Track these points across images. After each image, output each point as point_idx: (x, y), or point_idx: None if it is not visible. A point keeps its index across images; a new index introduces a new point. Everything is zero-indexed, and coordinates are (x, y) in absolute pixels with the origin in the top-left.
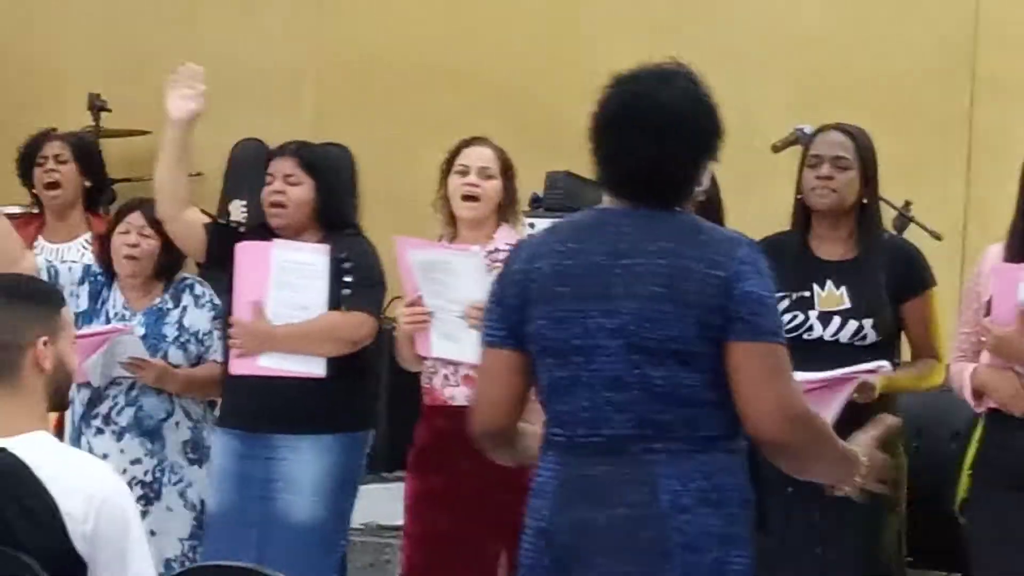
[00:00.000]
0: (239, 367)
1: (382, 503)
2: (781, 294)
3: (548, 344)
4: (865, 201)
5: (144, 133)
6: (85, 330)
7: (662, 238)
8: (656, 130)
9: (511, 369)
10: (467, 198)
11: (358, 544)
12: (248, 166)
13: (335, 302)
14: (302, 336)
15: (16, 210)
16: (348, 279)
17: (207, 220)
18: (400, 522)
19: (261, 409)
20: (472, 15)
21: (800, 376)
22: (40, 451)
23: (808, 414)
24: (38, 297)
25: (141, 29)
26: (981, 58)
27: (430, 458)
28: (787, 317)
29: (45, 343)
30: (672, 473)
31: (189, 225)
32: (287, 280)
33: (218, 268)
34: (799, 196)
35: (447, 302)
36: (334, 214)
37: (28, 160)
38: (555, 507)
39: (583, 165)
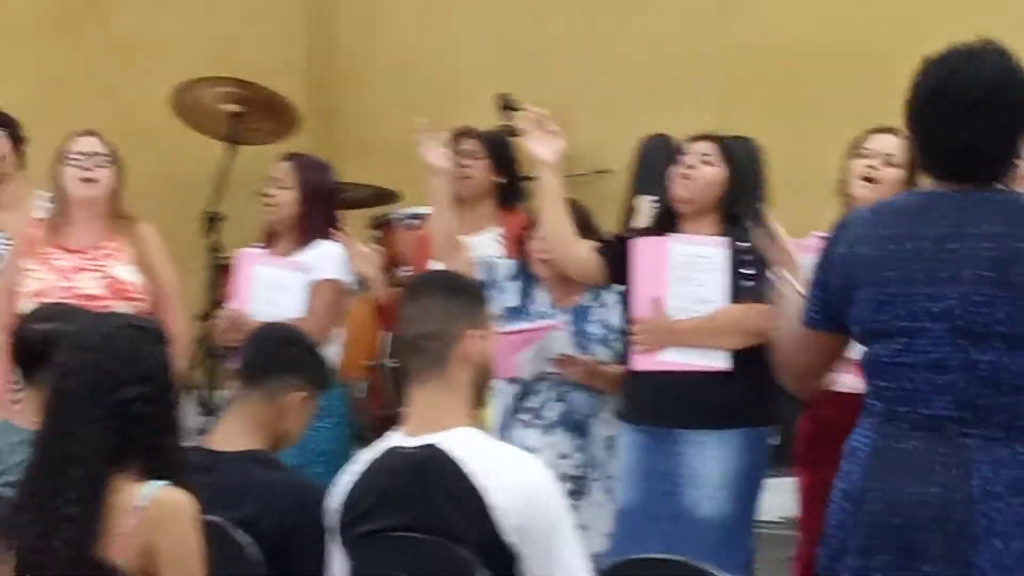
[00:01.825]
0: (641, 363)
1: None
2: None
3: (872, 326)
4: None
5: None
6: (516, 326)
7: (988, 220)
8: (969, 106)
9: (824, 348)
10: (866, 179)
11: (770, 538)
12: (655, 162)
13: (736, 294)
14: (703, 329)
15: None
16: (749, 271)
17: (595, 245)
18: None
19: (665, 404)
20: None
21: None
22: (470, 446)
23: None
24: (467, 292)
25: (542, 27)
26: None
27: (818, 448)
28: None
29: (475, 336)
30: (986, 459)
31: (582, 262)
32: (686, 274)
33: (620, 283)
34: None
35: None
36: (739, 205)
37: None
38: (866, 474)
39: None
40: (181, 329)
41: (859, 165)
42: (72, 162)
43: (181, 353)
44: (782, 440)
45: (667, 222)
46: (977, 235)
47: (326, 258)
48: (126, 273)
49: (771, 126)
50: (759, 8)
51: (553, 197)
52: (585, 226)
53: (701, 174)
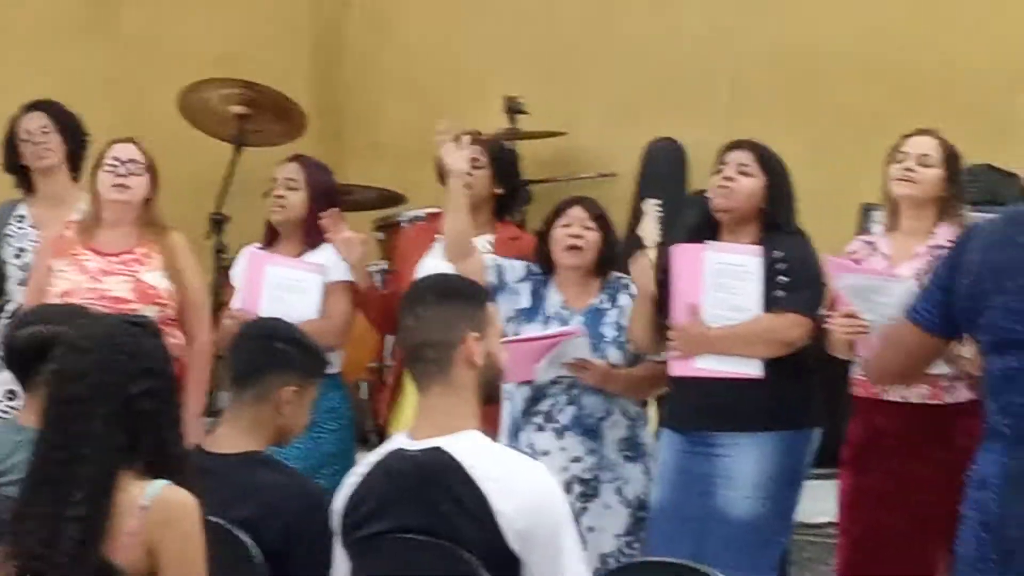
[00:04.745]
0: (678, 368)
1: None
2: None
3: (1001, 335)
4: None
5: (560, 134)
6: (534, 332)
7: None
8: None
9: (924, 349)
10: (903, 180)
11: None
12: (662, 166)
13: (769, 304)
14: (736, 338)
15: (433, 210)
16: (782, 279)
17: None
18: (821, 519)
19: (701, 409)
20: (891, 3)
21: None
22: (474, 449)
23: None
24: (465, 294)
25: (556, 30)
26: None
27: (866, 455)
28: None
29: (475, 339)
30: None
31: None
32: (721, 282)
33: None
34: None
35: (879, 317)
36: (779, 214)
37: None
38: (1003, 500)
39: (1006, 157)
40: (206, 338)
41: (896, 168)
42: (108, 167)
43: (206, 361)
44: (831, 446)
45: (706, 229)
46: None
47: (340, 259)
48: (154, 278)
49: (779, 133)
50: (772, 14)
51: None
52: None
53: (740, 185)
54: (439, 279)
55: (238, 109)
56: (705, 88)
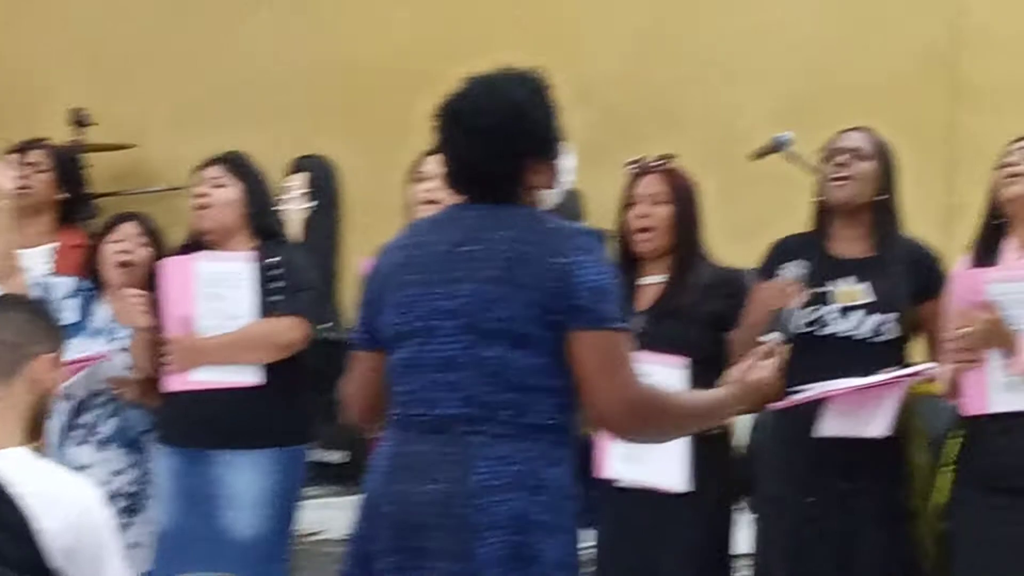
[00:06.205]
0: (173, 383)
1: None
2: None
3: (394, 329)
4: (883, 198)
5: (130, 147)
6: (84, 351)
7: (503, 227)
8: (475, 131)
9: (374, 369)
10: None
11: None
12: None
13: (265, 309)
14: (233, 345)
15: None
16: (277, 284)
17: None
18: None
19: (197, 425)
20: (458, 20)
21: (845, 383)
22: (17, 466)
23: (648, 398)
24: (51, 318)
25: (124, 43)
26: (963, 65)
27: None
28: (806, 312)
29: (46, 361)
30: (489, 455)
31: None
32: (214, 291)
33: None
34: (818, 198)
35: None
36: (263, 219)
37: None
38: (383, 480)
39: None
40: None
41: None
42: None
43: None
44: (355, 460)
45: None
46: (493, 239)
47: None
48: None
49: (348, 147)
50: (339, 29)
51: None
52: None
53: (215, 199)
54: (26, 297)
55: None
56: (273, 99)
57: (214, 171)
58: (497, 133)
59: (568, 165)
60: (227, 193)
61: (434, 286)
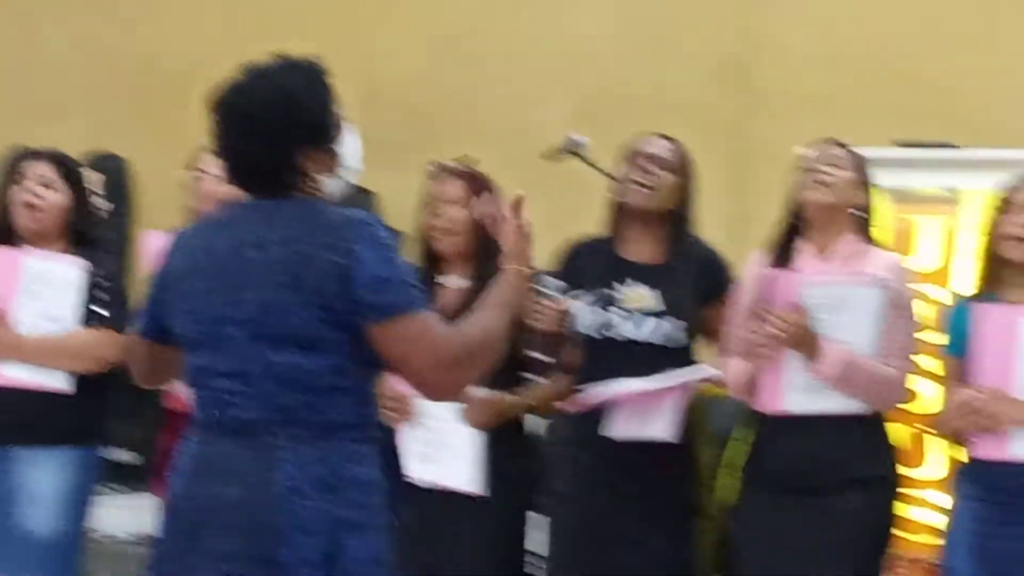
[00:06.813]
0: None
1: None
2: (586, 292)
3: (185, 338)
4: (679, 207)
5: None
6: None
7: (283, 226)
8: (243, 120)
9: (152, 357)
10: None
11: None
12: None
13: (85, 318)
14: (51, 349)
15: None
16: (101, 296)
17: None
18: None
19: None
20: (252, 23)
21: (631, 384)
22: None
23: (454, 353)
24: None
25: None
26: (754, 72)
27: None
28: (590, 312)
29: None
30: (291, 457)
31: None
32: (37, 289)
33: None
34: (618, 200)
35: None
36: (86, 228)
37: None
38: (186, 482)
39: None
40: None
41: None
42: None
43: None
44: (146, 460)
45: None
46: (274, 241)
47: None
48: None
49: (142, 143)
50: (133, 28)
51: None
52: None
53: (46, 201)
54: None
55: None
56: (70, 97)
57: (43, 169)
58: (269, 123)
59: (351, 150)
60: (58, 198)
61: (220, 293)
